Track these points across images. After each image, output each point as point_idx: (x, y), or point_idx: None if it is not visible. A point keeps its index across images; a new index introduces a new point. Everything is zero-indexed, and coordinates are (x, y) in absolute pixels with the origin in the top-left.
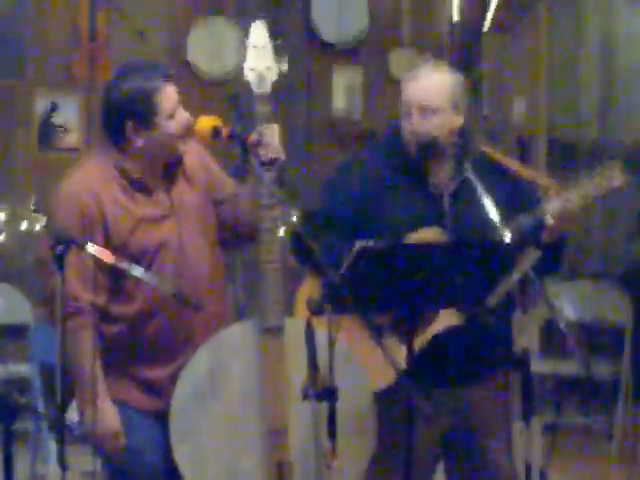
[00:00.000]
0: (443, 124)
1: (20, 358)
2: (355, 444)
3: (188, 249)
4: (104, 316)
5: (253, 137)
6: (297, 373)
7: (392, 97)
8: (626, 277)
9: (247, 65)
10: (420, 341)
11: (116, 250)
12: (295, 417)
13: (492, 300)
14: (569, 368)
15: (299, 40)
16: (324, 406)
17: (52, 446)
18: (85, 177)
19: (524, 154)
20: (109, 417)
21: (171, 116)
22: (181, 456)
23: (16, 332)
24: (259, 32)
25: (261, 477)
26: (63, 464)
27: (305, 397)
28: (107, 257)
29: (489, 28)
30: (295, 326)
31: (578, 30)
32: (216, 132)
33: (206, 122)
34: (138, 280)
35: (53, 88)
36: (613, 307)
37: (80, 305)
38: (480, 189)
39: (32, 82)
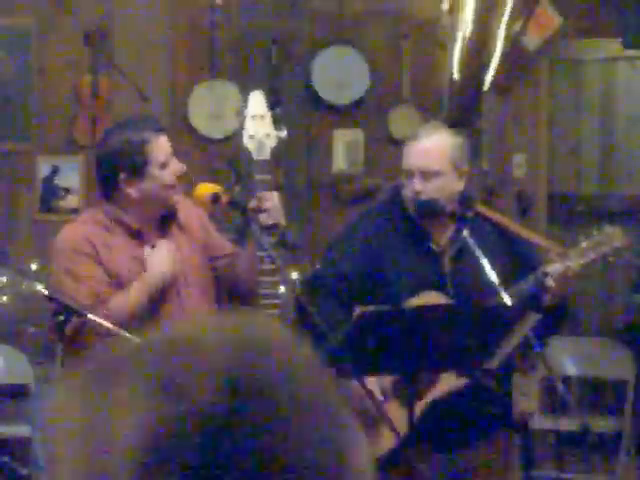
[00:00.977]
0: (444, 186)
1: (20, 419)
2: None
3: (184, 297)
4: None
5: (253, 204)
6: None
7: (393, 156)
8: (627, 331)
9: (246, 133)
10: (421, 405)
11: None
12: None
13: (493, 363)
14: (570, 423)
15: (299, 101)
16: None
17: None
18: (78, 225)
19: (525, 209)
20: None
21: (164, 166)
22: None
23: (16, 393)
24: (257, 101)
25: None
26: None
27: None
28: (110, 325)
29: (489, 87)
30: None
31: (577, 85)
32: (215, 199)
33: (206, 189)
34: None
35: (55, 151)
36: (615, 362)
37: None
38: (479, 252)
39: (35, 145)
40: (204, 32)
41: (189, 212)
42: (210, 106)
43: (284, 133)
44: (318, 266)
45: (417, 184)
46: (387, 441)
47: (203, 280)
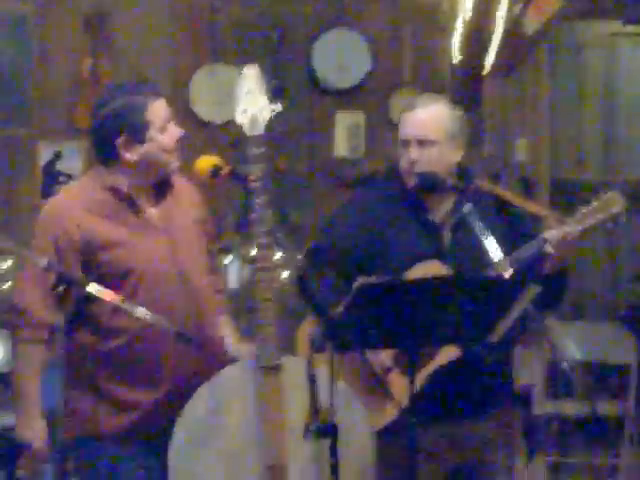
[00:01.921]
0: (440, 157)
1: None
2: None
3: (183, 265)
4: (102, 331)
5: (252, 176)
6: (298, 411)
7: (393, 140)
8: (631, 316)
9: (239, 108)
10: (422, 376)
11: (100, 270)
12: (295, 454)
13: (493, 337)
14: (573, 408)
15: (301, 85)
16: (325, 443)
17: None
18: (64, 199)
19: (527, 194)
20: (37, 434)
21: (163, 129)
22: None
23: None
24: (251, 76)
25: None
26: None
27: (306, 434)
28: (108, 297)
29: (490, 71)
30: (295, 364)
31: (579, 71)
32: (215, 171)
33: (205, 161)
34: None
35: (56, 136)
36: (618, 346)
37: (33, 320)
38: (479, 225)
39: (36, 131)
40: (205, 16)
41: (187, 190)
42: (211, 91)
43: (280, 106)
44: (318, 239)
45: (413, 153)
46: (389, 412)
47: (195, 243)
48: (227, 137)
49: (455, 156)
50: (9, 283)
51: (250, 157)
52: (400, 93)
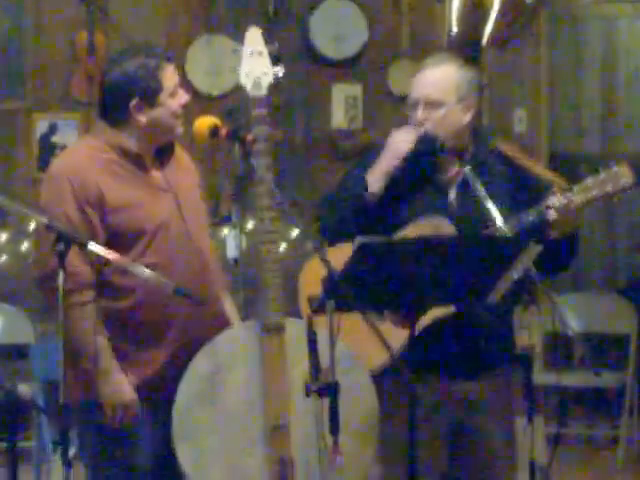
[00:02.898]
0: (447, 118)
1: (21, 378)
2: (358, 442)
3: (189, 224)
4: (113, 291)
5: (251, 136)
6: (299, 371)
7: (391, 110)
8: (630, 288)
9: (243, 70)
10: (419, 325)
11: (113, 229)
12: (297, 414)
13: (493, 297)
14: (574, 379)
15: (297, 56)
16: (326, 402)
17: (55, 461)
18: (77, 156)
19: None
20: (123, 387)
21: (173, 94)
22: (184, 456)
23: (17, 352)
24: (254, 38)
25: (264, 474)
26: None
27: (307, 393)
28: (109, 255)
29: (488, 41)
30: (296, 325)
31: (578, 42)
32: (214, 131)
33: (204, 122)
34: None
35: (52, 109)
36: (618, 317)
37: (82, 281)
38: (480, 187)
39: (32, 103)
40: None
41: (184, 156)
42: (207, 62)
43: (281, 71)
44: (332, 190)
45: (420, 113)
46: (380, 356)
47: (198, 204)
48: (223, 108)
49: (465, 118)
50: (4, 257)
51: (252, 118)
52: (398, 64)
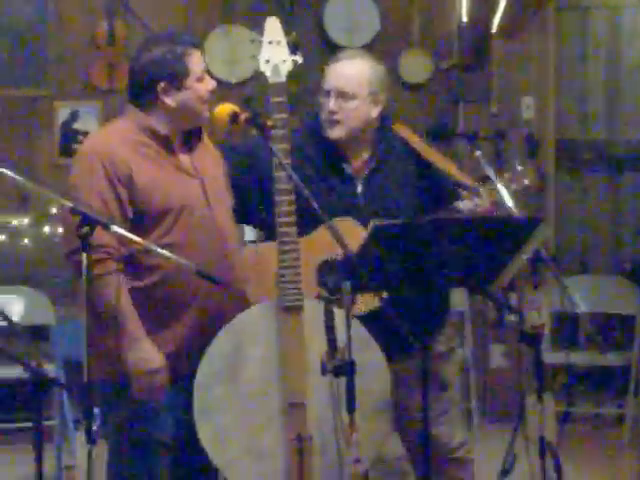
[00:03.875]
0: (357, 111)
1: (43, 358)
2: (373, 419)
3: (213, 209)
4: (140, 269)
5: (270, 122)
6: (316, 350)
7: (402, 99)
8: (635, 270)
9: (262, 57)
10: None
11: (139, 208)
12: (314, 392)
13: (502, 280)
14: (580, 358)
15: (312, 45)
16: (342, 381)
17: (78, 439)
18: (107, 135)
19: (533, 151)
20: (152, 354)
21: (200, 79)
22: (203, 432)
23: (38, 333)
24: (273, 27)
25: (281, 451)
26: (92, 438)
27: (324, 372)
28: (132, 236)
29: (497, 30)
30: (314, 305)
31: (584, 31)
32: (234, 117)
33: (224, 108)
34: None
35: (73, 96)
36: (622, 298)
37: (108, 250)
38: (391, 176)
39: (53, 91)
40: None
41: (211, 145)
42: (225, 51)
43: (300, 58)
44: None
45: (332, 103)
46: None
47: (226, 198)
48: (240, 96)
49: (374, 111)
50: (25, 240)
51: (271, 105)
52: (409, 54)
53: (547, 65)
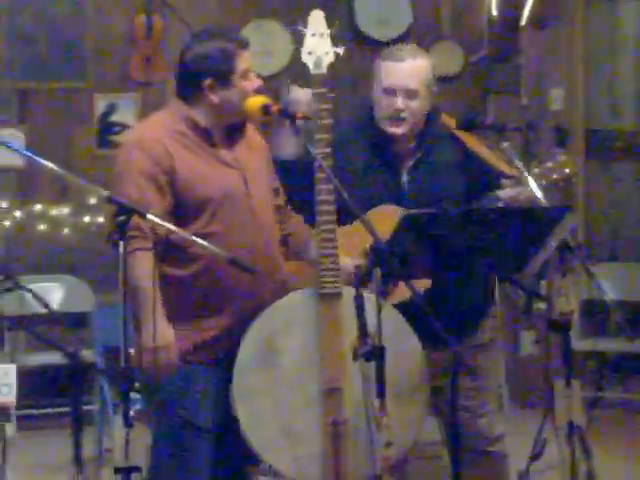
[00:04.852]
0: (421, 107)
1: (83, 345)
2: (406, 403)
3: (254, 200)
4: (183, 257)
5: (300, 113)
6: (353, 337)
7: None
8: None
9: (305, 49)
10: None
11: (181, 197)
12: (350, 378)
13: (531, 268)
14: (610, 345)
15: (344, 38)
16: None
17: (116, 423)
18: (150, 126)
19: (562, 142)
20: (166, 331)
21: (245, 77)
22: (242, 417)
23: (79, 320)
24: (317, 20)
25: (317, 436)
26: (128, 422)
27: (355, 357)
28: (168, 225)
29: (527, 22)
30: (352, 293)
31: (613, 21)
32: (266, 109)
33: (256, 100)
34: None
35: (111, 89)
36: None
37: (142, 228)
38: (436, 165)
39: (92, 83)
40: None
41: (257, 138)
42: (258, 45)
43: (341, 50)
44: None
45: (400, 102)
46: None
47: (265, 183)
48: (273, 89)
49: (427, 106)
50: (66, 230)
51: (313, 95)
52: (439, 46)
53: (576, 56)
